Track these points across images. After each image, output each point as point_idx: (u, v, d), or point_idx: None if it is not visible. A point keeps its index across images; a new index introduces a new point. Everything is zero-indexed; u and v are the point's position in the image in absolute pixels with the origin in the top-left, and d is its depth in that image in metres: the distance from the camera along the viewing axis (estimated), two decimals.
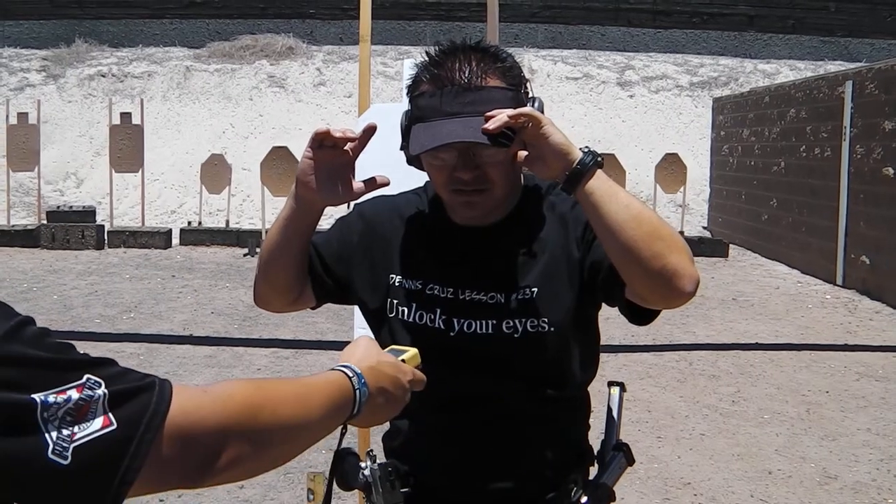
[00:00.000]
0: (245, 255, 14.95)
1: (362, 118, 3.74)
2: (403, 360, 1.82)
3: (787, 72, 22.56)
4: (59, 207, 16.23)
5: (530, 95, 2.19)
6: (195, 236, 15.93)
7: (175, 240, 15.94)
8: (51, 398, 1.09)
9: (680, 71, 22.99)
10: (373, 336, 2.11)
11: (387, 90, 20.55)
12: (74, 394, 1.12)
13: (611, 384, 2.56)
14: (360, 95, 4.07)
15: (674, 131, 20.90)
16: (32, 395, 1.08)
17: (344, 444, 1.87)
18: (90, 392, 1.13)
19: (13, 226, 15.90)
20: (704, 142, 19.98)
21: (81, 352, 1.19)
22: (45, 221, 15.68)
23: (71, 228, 15.28)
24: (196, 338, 9.32)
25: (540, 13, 24.37)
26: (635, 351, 8.95)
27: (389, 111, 3.78)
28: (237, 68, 22.67)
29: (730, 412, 7.23)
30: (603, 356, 7.69)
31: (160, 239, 15.58)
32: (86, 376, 1.15)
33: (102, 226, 15.75)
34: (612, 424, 2.51)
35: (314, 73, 22.55)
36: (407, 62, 3.83)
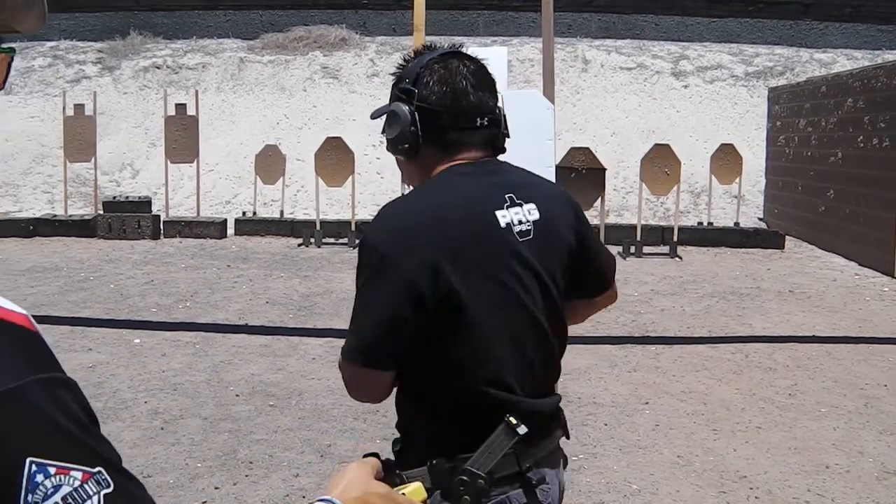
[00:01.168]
0: (300, 245, 15.00)
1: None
2: (404, 493, 1.73)
3: (843, 61, 22.28)
4: (115, 198, 16.38)
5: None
6: (250, 226, 16.01)
7: (230, 230, 16.05)
8: (51, 469, 0.98)
9: (735, 60, 22.77)
10: None
11: None
12: (77, 477, 1.00)
13: None
14: None
15: (729, 122, 20.71)
16: (29, 458, 0.97)
17: None
18: (93, 488, 1.01)
19: (70, 216, 16.08)
20: (760, 132, 19.78)
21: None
22: (101, 212, 15.84)
23: (127, 218, 15.42)
24: (251, 327, 9.37)
25: (594, 2, 24.23)
26: (690, 343, 8.88)
27: None
28: (291, 59, 22.74)
29: (786, 405, 7.15)
30: (658, 348, 7.71)
31: (215, 229, 15.68)
32: (99, 468, 1.02)
33: (158, 216, 15.88)
34: None
35: (367, 64, 22.57)
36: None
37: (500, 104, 2.40)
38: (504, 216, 2.23)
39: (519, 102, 3.67)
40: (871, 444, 6.33)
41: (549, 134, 3.59)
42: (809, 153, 16.54)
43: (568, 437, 2.42)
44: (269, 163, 16.29)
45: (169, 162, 16.43)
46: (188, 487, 5.30)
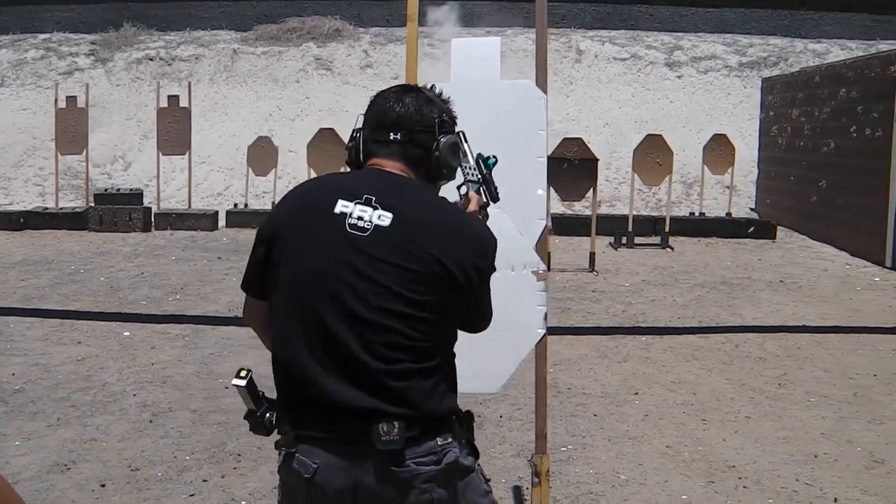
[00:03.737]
0: None
1: None
2: None
3: (837, 51, 22.28)
4: (106, 190, 16.36)
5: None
6: (241, 218, 15.99)
7: (221, 222, 16.03)
8: None
9: (729, 51, 22.75)
10: None
11: (431, 71, 20.48)
12: None
13: None
14: (406, 77, 4.05)
15: (722, 112, 20.71)
16: None
17: None
18: None
19: (62, 208, 16.07)
20: (753, 123, 19.78)
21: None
22: (92, 204, 15.81)
23: (118, 211, 15.40)
24: (241, 319, 9.32)
25: None
26: (681, 333, 8.88)
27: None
28: (284, 51, 22.71)
29: (776, 395, 7.16)
30: (648, 338, 7.69)
31: (206, 221, 15.66)
32: None
33: (149, 208, 15.86)
34: None
35: (361, 55, 22.54)
36: (455, 42, 3.81)
37: (433, 133, 2.69)
38: (345, 206, 2.53)
39: (511, 93, 3.67)
40: (861, 434, 6.33)
41: (541, 125, 3.58)
42: (802, 143, 16.54)
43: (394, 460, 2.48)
44: (262, 154, 16.27)
45: (161, 154, 16.40)
46: (177, 480, 5.29)
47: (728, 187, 17.16)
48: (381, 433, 2.40)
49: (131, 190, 16.37)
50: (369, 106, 2.75)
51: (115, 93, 21.31)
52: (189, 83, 17.99)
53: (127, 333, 8.66)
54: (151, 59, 22.32)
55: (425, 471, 2.45)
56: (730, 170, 16.32)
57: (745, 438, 6.19)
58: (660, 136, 15.18)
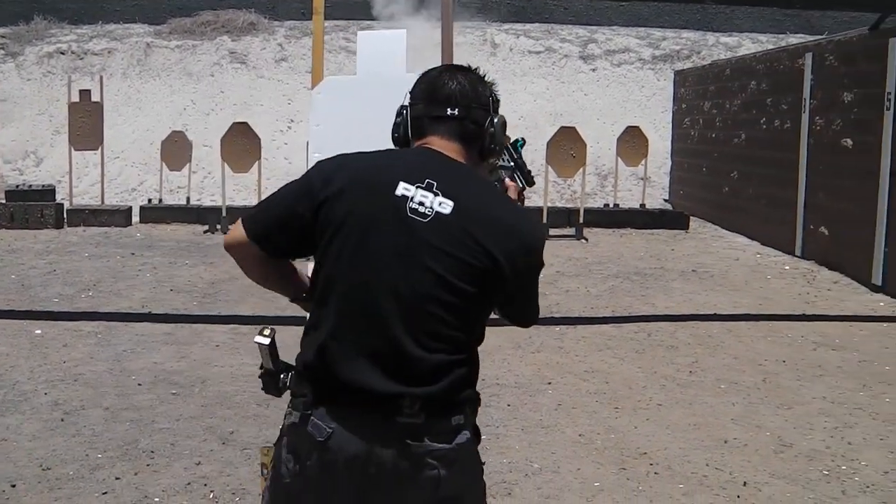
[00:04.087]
0: (205, 231, 14.90)
1: (316, 90, 3.72)
2: None
3: (749, 44, 22.59)
4: (18, 186, 16.07)
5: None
6: (155, 214, 15.83)
7: (135, 217, 15.83)
8: None
9: (642, 44, 22.97)
10: None
11: (349, 65, 20.40)
12: None
13: None
14: (314, 69, 4.03)
15: (636, 105, 20.91)
16: None
17: None
18: None
19: None
20: (666, 115, 20.02)
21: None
22: (3, 201, 15.53)
23: (30, 207, 15.15)
24: (155, 315, 9.27)
25: None
26: (594, 323, 8.98)
27: (344, 83, 3.78)
28: (198, 44, 22.49)
29: (687, 382, 7.28)
30: (562, 328, 7.75)
31: (120, 217, 15.48)
32: None
33: (62, 204, 15.63)
34: None
35: (276, 49, 22.40)
36: (361, 35, 3.82)
37: (487, 110, 2.69)
38: (407, 189, 2.49)
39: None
40: (769, 419, 6.47)
41: None
42: (714, 135, 16.78)
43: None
44: (175, 149, 16.10)
45: (73, 149, 16.16)
46: (89, 479, 5.24)
47: (642, 179, 17.34)
48: (403, 408, 2.42)
49: (43, 186, 16.09)
50: (417, 83, 2.74)
51: (25, 87, 20.94)
52: (101, 77, 17.72)
53: (38, 331, 8.54)
54: (63, 53, 21.96)
55: (437, 448, 2.47)
56: (643, 161, 16.50)
57: (657, 425, 6.29)
58: (573, 128, 15.30)
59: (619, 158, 16.41)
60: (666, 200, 18.72)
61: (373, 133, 3.58)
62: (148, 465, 5.46)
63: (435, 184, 2.51)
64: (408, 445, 2.44)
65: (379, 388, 2.44)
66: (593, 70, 21.98)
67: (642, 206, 16.75)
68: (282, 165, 17.88)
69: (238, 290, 10.36)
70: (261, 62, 21.95)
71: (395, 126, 2.74)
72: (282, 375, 2.62)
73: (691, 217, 16.41)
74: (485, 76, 2.76)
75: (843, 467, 5.59)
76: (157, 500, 4.99)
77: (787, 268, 12.37)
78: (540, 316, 2.80)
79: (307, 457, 2.50)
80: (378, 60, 3.65)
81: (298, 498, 2.54)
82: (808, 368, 7.71)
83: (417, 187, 2.50)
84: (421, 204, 2.48)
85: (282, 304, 9.66)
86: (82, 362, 7.56)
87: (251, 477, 5.12)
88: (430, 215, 2.48)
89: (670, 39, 23.20)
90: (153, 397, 6.71)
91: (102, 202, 16.22)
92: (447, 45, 4.02)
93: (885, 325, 9.32)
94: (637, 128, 16.64)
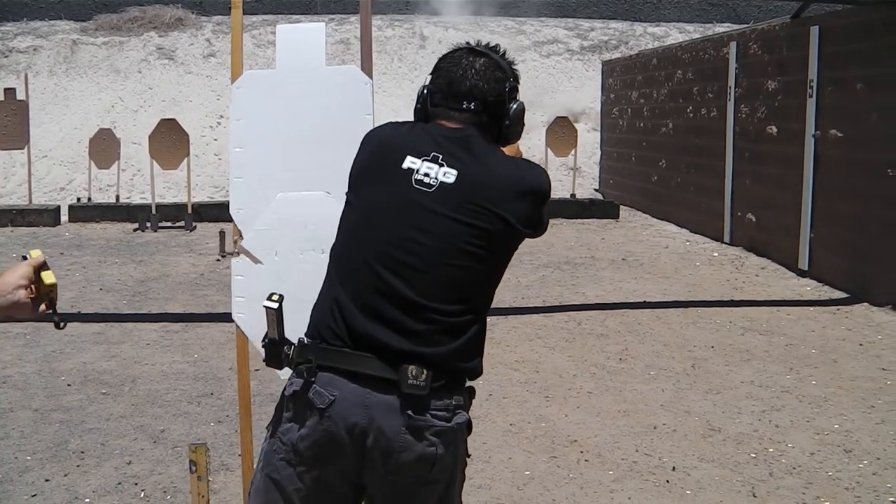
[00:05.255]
0: (135, 230, 14.75)
1: (236, 85, 3.71)
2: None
3: (676, 34, 22.82)
4: None
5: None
6: (85, 213, 15.65)
7: (64, 217, 15.64)
8: None
9: (571, 35, 23.13)
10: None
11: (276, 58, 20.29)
12: None
13: None
14: (233, 63, 4.01)
15: (565, 95, 21.03)
16: None
17: None
18: None
19: None
20: (595, 105, 20.15)
21: None
22: None
23: None
24: (84, 315, 9.18)
25: None
26: (525, 313, 9.04)
27: (263, 77, 3.76)
28: (125, 41, 22.28)
29: (617, 370, 7.34)
30: (492, 319, 7.77)
31: (48, 217, 15.29)
32: None
33: None
34: None
35: (204, 45, 22.26)
36: (280, 28, 3.80)
37: (504, 101, 2.79)
38: (413, 162, 2.64)
39: (337, 79, 3.69)
40: (698, 404, 6.54)
41: (367, 109, 3.61)
42: (642, 124, 16.92)
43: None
44: (104, 147, 15.92)
45: None
46: (17, 482, 5.18)
47: (572, 169, 17.45)
48: (408, 376, 2.47)
49: None
50: (436, 69, 2.82)
51: None
52: (26, 75, 17.47)
53: None
54: None
55: (437, 425, 2.51)
56: (573, 152, 16.60)
57: (587, 413, 6.35)
58: None
59: (548, 149, 16.49)
60: (596, 190, 18.85)
61: (294, 126, 3.59)
62: (78, 465, 5.41)
63: (440, 156, 2.64)
64: (410, 417, 2.48)
65: (393, 343, 2.50)
66: (522, 61, 22.03)
67: (573, 196, 16.84)
68: (212, 161, 17.79)
69: (167, 288, 10.30)
70: (189, 58, 21.80)
71: (415, 112, 2.84)
72: (285, 347, 2.62)
73: (621, 206, 16.55)
74: (504, 54, 2.86)
75: (771, 450, 5.68)
76: (87, 500, 4.95)
77: (715, 254, 12.51)
78: None
79: (307, 425, 2.53)
80: (297, 54, 3.65)
81: (296, 468, 2.57)
82: (736, 353, 7.81)
83: (423, 160, 2.64)
84: (426, 175, 2.62)
85: (212, 302, 9.62)
86: (10, 364, 7.47)
87: (182, 475, 5.09)
88: (434, 185, 2.60)
89: (598, 30, 23.38)
90: (83, 397, 6.65)
91: (30, 202, 16.02)
92: (366, 38, 4.03)
93: (811, 309, 9.45)
94: (566, 118, 16.76)
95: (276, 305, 2.60)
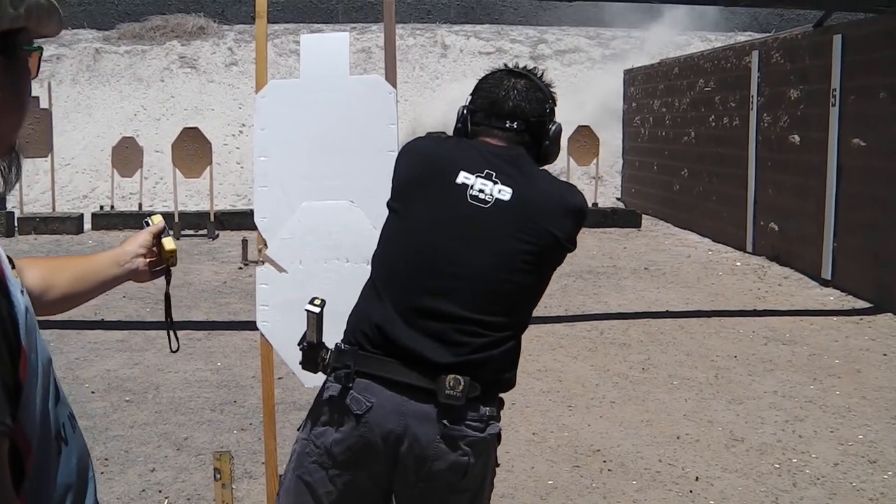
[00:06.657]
0: None
1: (260, 94, 3.72)
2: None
3: (697, 43, 22.76)
4: None
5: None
6: (107, 220, 15.72)
7: (87, 225, 15.72)
8: None
9: (592, 44, 23.11)
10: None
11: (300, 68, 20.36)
12: None
13: None
14: (257, 72, 4.03)
15: (586, 104, 21.01)
16: None
17: None
18: None
19: None
20: (617, 114, 20.12)
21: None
22: None
23: None
24: (107, 322, 9.21)
25: None
26: (547, 322, 9.01)
27: (287, 86, 3.77)
28: (148, 49, 22.38)
29: (639, 379, 7.32)
30: None
31: (71, 224, 15.36)
32: None
33: (12, 212, 15.48)
34: None
35: (226, 53, 22.34)
36: (304, 38, 3.82)
37: (545, 122, 2.85)
38: (467, 178, 2.68)
39: (361, 88, 3.70)
40: (721, 414, 6.52)
41: (391, 119, 3.62)
42: (664, 133, 16.90)
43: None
44: (126, 155, 16.00)
45: (22, 156, 15.97)
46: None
47: (594, 178, 17.43)
48: (446, 386, 2.51)
49: None
50: (478, 88, 2.89)
51: None
52: (50, 84, 17.58)
53: None
54: None
55: (471, 435, 2.54)
56: (595, 161, 16.59)
57: (610, 423, 6.33)
58: None
59: (570, 158, 16.47)
60: (618, 199, 18.82)
61: (318, 135, 3.60)
62: (102, 472, 5.43)
63: (494, 173, 2.68)
64: (446, 426, 2.51)
65: (432, 353, 2.53)
66: (544, 70, 22.03)
67: (595, 205, 16.79)
68: (234, 169, 17.84)
69: (190, 296, 10.33)
70: (211, 66, 21.88)
71: (456, 130, 2.88)
72: (322, 352, 2.65)
73: (643, 215, 16.52)
74: (541, 76, 2.95)
75: (794, 460, 5.66)
76: None
77: (738, 264, 12.48)
78: None
79: (343, 430, 2.56)
80: (322, 63, 3.66)
81: (329, 471, 2.60)
82: (759, 363, 7.78)
83: (477, 176, 2.68)
84: (481, 191, 2.66)
85: (234, 310, 9.64)
86: None
87: (205, 482, 5.10)
88: (490, 202, 2.65)
89: (620, 39, 23.33)
90: (106, 405, 6.68)
91: (53, 210, 16.11)
92: (390, 48, 4.04)
93: (834, 318, 9.41)
94: (587, 127, 16.73)
95: (318, 310, 2.62)
